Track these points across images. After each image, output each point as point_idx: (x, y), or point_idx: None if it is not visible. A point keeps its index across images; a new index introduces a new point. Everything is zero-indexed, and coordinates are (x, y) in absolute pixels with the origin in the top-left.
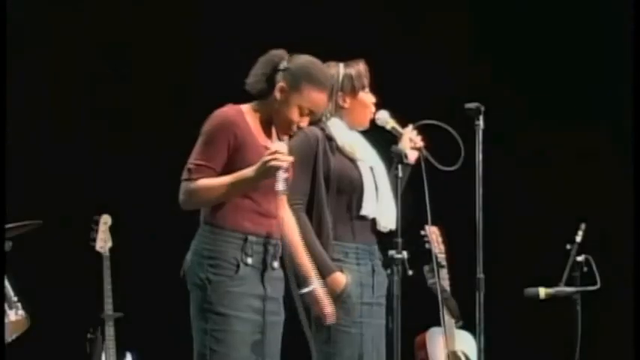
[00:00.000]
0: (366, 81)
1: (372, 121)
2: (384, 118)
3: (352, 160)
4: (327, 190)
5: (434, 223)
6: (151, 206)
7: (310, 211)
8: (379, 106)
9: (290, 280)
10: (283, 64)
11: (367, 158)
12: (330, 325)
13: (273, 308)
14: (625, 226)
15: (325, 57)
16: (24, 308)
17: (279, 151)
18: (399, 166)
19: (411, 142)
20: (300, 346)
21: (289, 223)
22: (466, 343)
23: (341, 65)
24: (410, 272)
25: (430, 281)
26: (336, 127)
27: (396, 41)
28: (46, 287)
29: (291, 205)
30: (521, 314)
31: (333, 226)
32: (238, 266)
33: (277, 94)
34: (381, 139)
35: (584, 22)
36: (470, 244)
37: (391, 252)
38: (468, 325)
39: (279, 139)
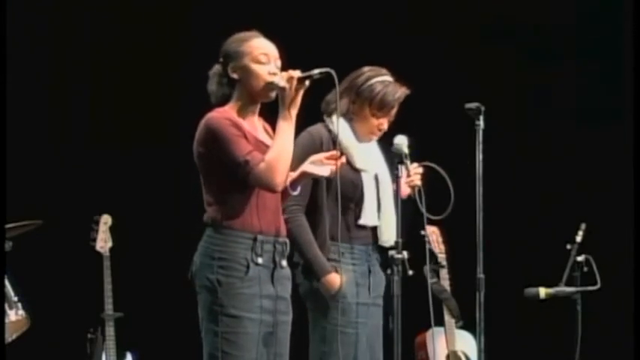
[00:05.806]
0: (387, 104)
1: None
2: (402, 144)
3: (355, 169)
4: (328, 193)
5: (434, 224)
6: (151, 206)
7: (309, 212)
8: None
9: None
10: (220, 60)
11: (371, 168)
12: (326, 325)
13: (283, 308)
14: (625, 226)
15: (326, 58)
16: (24, 308)
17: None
18: (399, 166)
19: (409, 177)
20: (303, 345)
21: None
22: (466, 343)
23: (378, 76)
24: (410, 272)
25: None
26: (344, 132)
27: (397, 40)
28: (46, 287)
29: (290, 206)
30: (521, 314)
31: (330, 227)
32: (248, 267)
33: (235, 75)
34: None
35: (583, 22)
36: (470, 244)
37: (391, 252)
38: (468, 325)
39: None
